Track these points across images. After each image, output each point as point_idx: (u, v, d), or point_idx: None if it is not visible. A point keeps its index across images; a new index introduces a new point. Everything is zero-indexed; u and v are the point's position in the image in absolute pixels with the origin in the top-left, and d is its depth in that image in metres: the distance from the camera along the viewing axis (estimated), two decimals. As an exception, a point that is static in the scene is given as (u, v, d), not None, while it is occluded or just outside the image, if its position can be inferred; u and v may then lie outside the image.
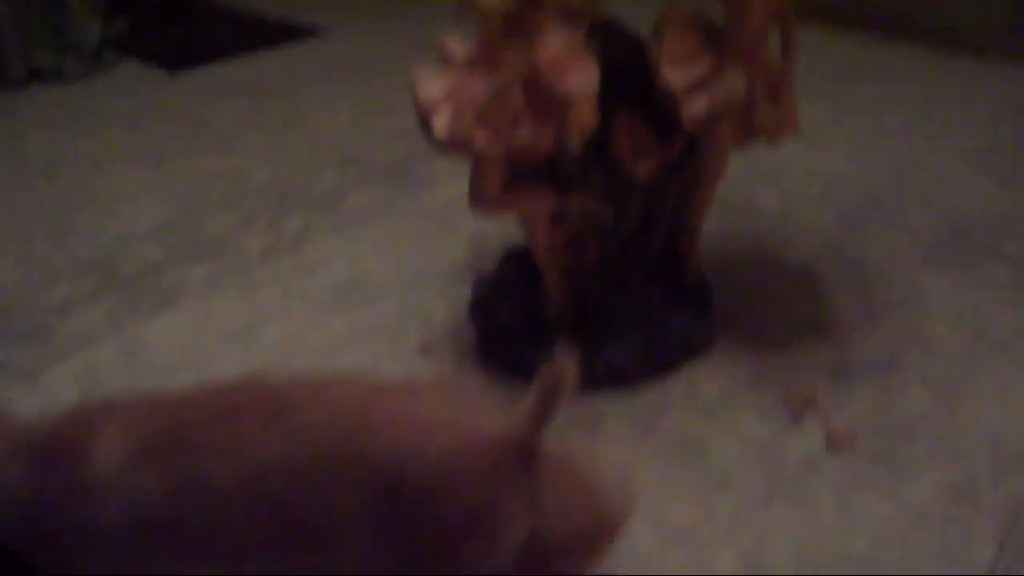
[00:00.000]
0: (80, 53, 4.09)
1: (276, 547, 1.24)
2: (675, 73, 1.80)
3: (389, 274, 2.40)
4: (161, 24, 4.59)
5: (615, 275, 2.02)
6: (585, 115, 1.70)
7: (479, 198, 1.81)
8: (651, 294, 2.06)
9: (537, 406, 1.20)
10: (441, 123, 1.69)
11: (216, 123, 3.39)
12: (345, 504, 1.19)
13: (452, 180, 2.82)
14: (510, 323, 2.05)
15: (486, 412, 1.27)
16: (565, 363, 1.20)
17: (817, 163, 2.87)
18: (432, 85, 1.72)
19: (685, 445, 1.86)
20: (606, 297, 2.03)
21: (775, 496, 1.74)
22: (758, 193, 2.72)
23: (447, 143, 1.69)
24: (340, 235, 2.64)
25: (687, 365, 2.05)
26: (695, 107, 1.79)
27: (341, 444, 1.19)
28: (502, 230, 2.46)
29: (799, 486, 1.76)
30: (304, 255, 2.56)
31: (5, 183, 3.12)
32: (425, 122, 1.72)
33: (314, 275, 2.46)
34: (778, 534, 1.67)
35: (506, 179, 1.80)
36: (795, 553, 1.63)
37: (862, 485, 1.76)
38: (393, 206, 2.76)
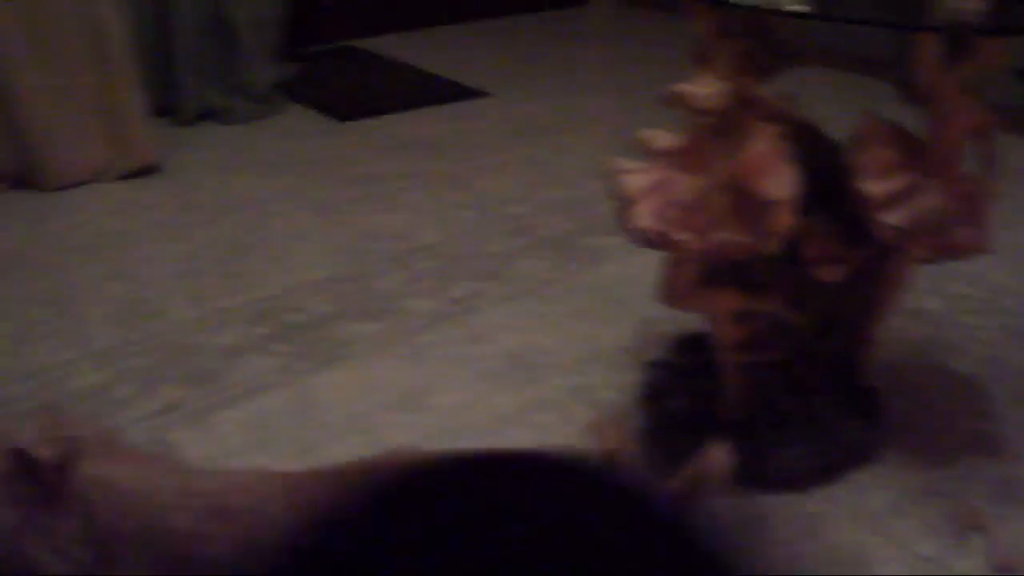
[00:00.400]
0: (250, 95, 4.20)
1: None
2: (873, 184, 1.79)
3: (557, 349, 2.41)
4: (332, 73, 4.69)
5: (791, 377, 2.01)
6: (784, 219, 1.70)
7: (670, 294, 1.83)
8: (823, 398, 2.04)
9: (684, 490, 1.21)
10: (643, 217, 1.70)
11: (383, 178, 3.45)
12: None
13: (619, 257, 2.85)
14: (680, 413, 2.05)
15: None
16: (718, 453, 1.21)
17: (981, 270, 2.83)
18: (635, 177, 1.74)
19: (849, 556, 1.84)
20: (779, 398, 2.02)
21: (941, 619, 1.72)
22: (922, 297, 2.69)
23: (647, 237, 1.70)
24: (507, 305, 2.66)
25: (854, 473, 2.03)
26: (891, 220, 1.78)
27: None
28: (672, 315, 2.46)
29: (965, 609, 1.73)
30: (471, 323, 2.59)
31: (175, 220, 3.21)
32: (625, 213, 1.73)
33: (481, 344, 2.49)
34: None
35: (698, 277, 1.80)
36: None
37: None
38: (560, 280, 2.78)
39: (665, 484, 1.24)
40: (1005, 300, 2.70)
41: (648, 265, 2.71)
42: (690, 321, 2.28)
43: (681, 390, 2.10)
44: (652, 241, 1.71)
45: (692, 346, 2.20)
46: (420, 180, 3.44)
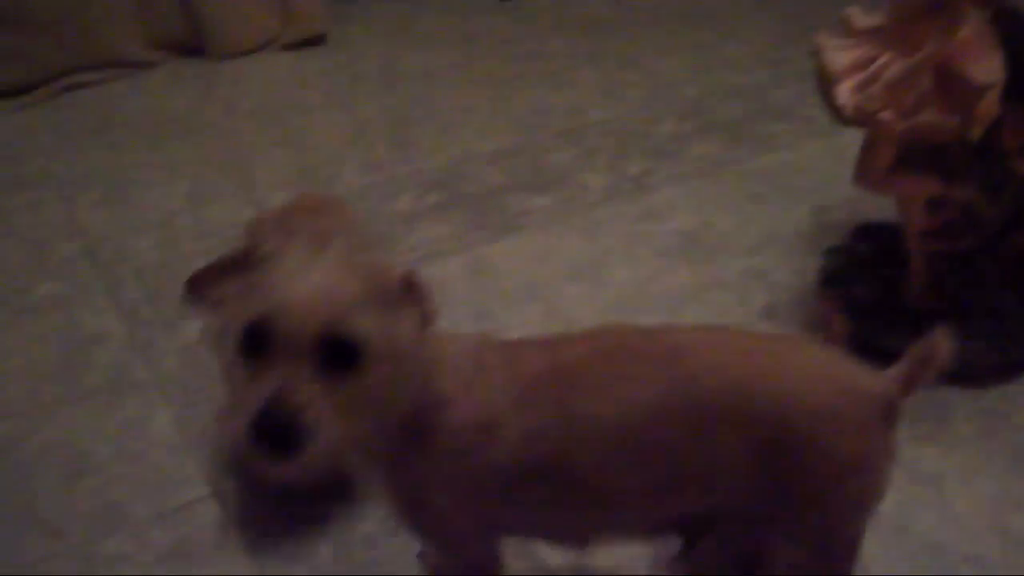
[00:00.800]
0: (417, -31, 4.17)
1: (659, 493, 1.26)
2: (1082, 75, 1.73)
3: (732, 231, 2.39)
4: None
5: (976, 270, 1.97)
6: (990, 105, 1.66)
7: (867, 175, 1.79)
8: (1006, 295, 2.00)
9: (909, 371, 1.22)
10: (847, 94, 1.67)
11: (550, 56, 3.42)
12: (728, 451, 1.20)
13: (792, 144, 2.80)
14: (862, 300, 2.02)
15: (860, 369, 1.27)
16: (943, 339, 1.22)
17: None
18: (840, 54, 1.70)
19: (1027, 455, 1.81)
20: (963, 290, 1.98)
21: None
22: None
23: (850, 114, 1.67)
24: (682, 185, 2.64)
25: (1036, 369, 1.99)
26: (1096, 112, 1.72)
27: (727, 391, 1.20)
28: (844, 203, 2.43)
29: None
30: (646, 200, 2.57)
31: (343, 90, 3.24)
32: (827, 90, 1.70)
33: (658, 222, 2.47)
34: None
35: (894, 160, 1.77)
36: None
37: None
38: (733, 163, 2.74)
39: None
40: None
41: (819, 154, 2.68)
42: (864, 211, 2.25)
43: (862, 277, 2.06)
44: (854, 118, 1.68)
45: (871, 234, 2.17)
46: (587, 59, 3.40)
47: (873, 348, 1.92)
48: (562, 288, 2.20)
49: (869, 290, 2.03)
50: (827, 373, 1.24)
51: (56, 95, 3.22)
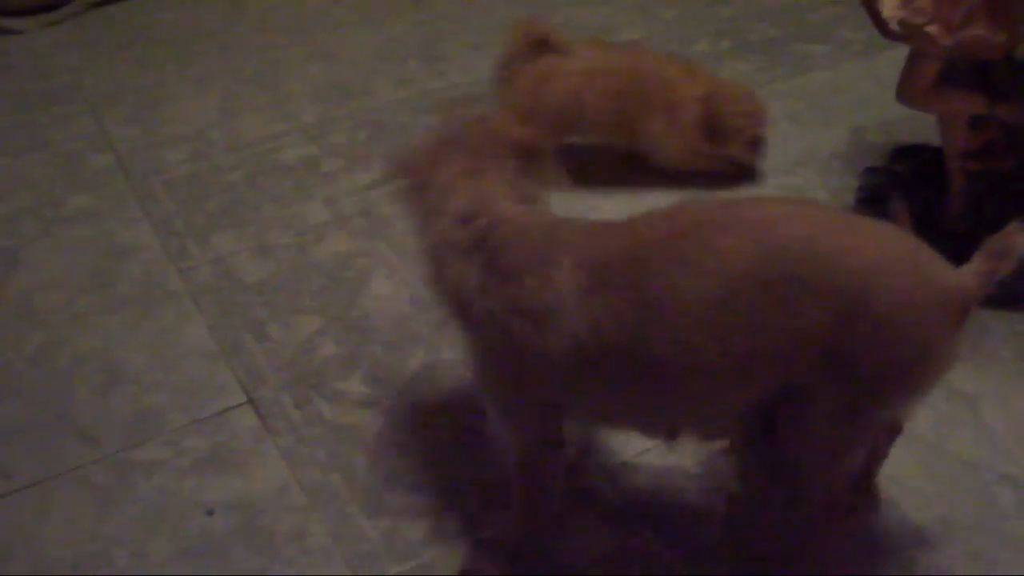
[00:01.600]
0: None
1: (736, 371, 1.25)
2: None
3: (770, 150, 2.36)
4: None
5: (1017, 192, 1.95)
6: (1038, 23, 1.63)
7: (909, 91, 1.77)
8: (1046, 216, 1.98)
9: (986, 266, 1.28)
10: (893, 6, 1.64)
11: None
12: (807, 322, 1.20)
13: (827, 65, 2.77)
14: (900, 218, 2.00)
15: (941, 262, 1.28)
16: (1020, 233, 1.29)
17: None
18: (886, -31, 1.68)
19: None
20: (1001, 213, 1.96)
21: None
22: None
23: (895, 28, 1.64)
24: (716, 105, 2.60)
25: (1073, 294, 1.97)
26: None
27: (814, 263, 1.20)
28: (881, 124, 2.40)
29: None
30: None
31: (376, 4, 3.20)
32: (874, 3, 1.67)
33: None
34: None
35: (938, 76, 1.75)
36: None
37: None
38: (770, 82, 2.71)
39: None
40: None
41: (856, 75, 2.65)
42: (901, 132, 2.23)
43: (900, 196, 2.04)
44: (899, 32, 1.65)
45: (910, 155, 2.15)
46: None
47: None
48: (600, 205, 2.18)
49: (906, 208, 2.01)
50: (911, 260, 1.26)
51: (85, 10, 3.20)
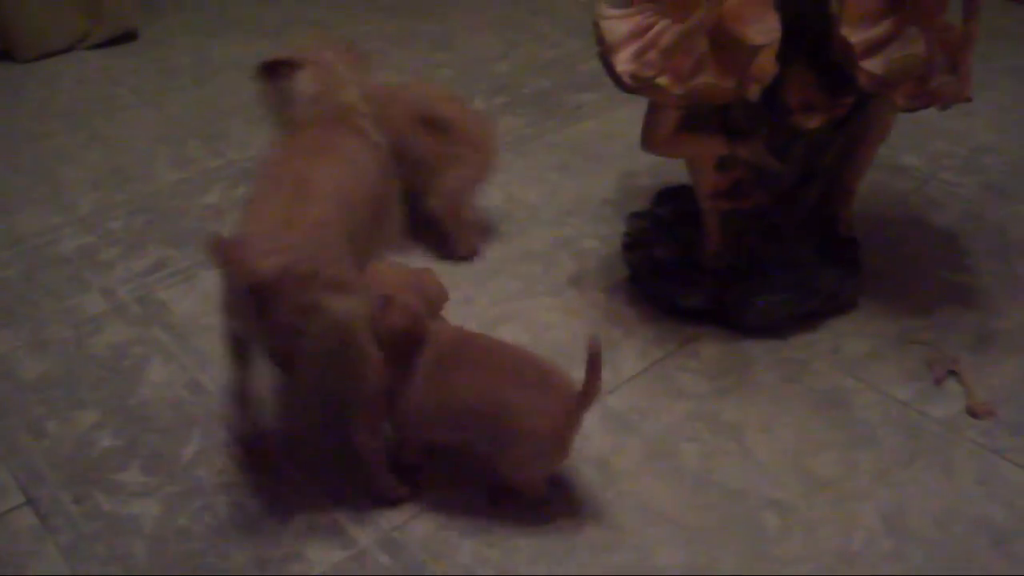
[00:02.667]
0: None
1: None
2: (856, 32, 1.78)
3: (540, 203, 2.42)
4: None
5: (770, 225, 2.03)
6: (766, 65, 1.71)
7: (652, 139, 1.84)
8: (802, 247, 2.07)
9: (591, 377, 1.52)
10: (624, 61, 1.71)
11: (363, 39, 3.38)
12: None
13: (598, 114, 2.85)
14: (664, 261, 2.08)
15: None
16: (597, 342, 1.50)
17: (962, 128, 2.83)
18: (617, 24, 1.74)
19: (829, 399, 1.88)
20: (760, 246, 2.04)
21: (916, 457, 1.76)
22: (904, 154, 2.70)
23: (628, 82, 1.71)
24: (490, 161, 2.66)
25: (833, 319, 2.06)
26: (872, 67, 1.78)
27: None
28: (650, 168, 2.48)
29: (940, 450, 1.78)
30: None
31: (155, 86, 3.20)
32: (608, 59, 1.73)
33: (466, 198, 2.48)
34: (918, 495, 1.69)
35: (679, 123, 1.81)
36: (935, 515, 1.65)
37: (1002, 454, 1.77)
38: (541, 136, 2.78)
39: None
40: (985, 158, 2.72)
41: (626, 121, 2.72)
42: (669, 175, 2.30)
43: (663, 239, 2.12)
44: (633, 86, 1.71)
45: (672, 197, 2.22)
46: (399, 40, 3.42)
47: (676, 308, 1.99)
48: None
49: (669, 251, 2.08)
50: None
51: None
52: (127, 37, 3.58)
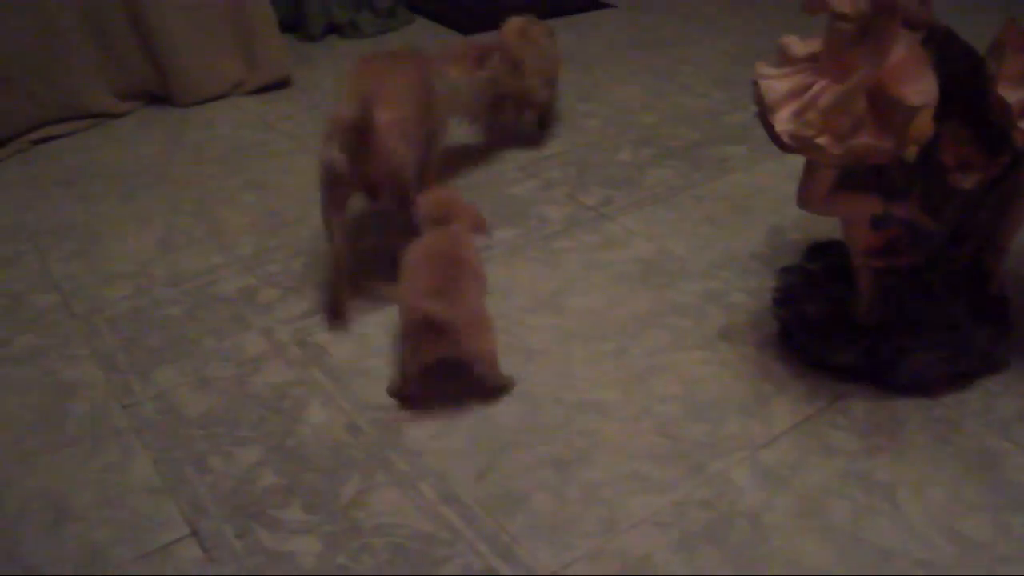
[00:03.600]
0: (375, 9, 4.27)
1: None
2: (1013, 92, 1.79)
3: (689, 256, 2.46)
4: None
5: (924, 284, 2.03)
6: (924, 125, 1.72)
7: (809, 198, 1.86)
8: (954, 305, 2.06)
9: None
10: (784, 121, 1.73)
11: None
12: None
13: (746, 167, 2.87)
14: (814, 317, 2.09)
15: None
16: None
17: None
18: (777, 83, 1.77)
19: (981, 460, 1.87)
20: (912, 305, 2.05)
21: (1072, 520, 1.74)
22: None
23: (788, 141, 1.73)
24: (639, 212, 2.71)
25: (984, 379, 2.05)
26: (1031, 127, 1.78)
27: None
28: (798, 222, 2.50)
29: (1096, 513, 1.76)
30: (605, 229, 2.65)
31: (308, 132, 3.30)
32: (767, 118, 1.76)
33: (616, 250, 2.55)
34: (1075, 559, 1.67)
35: (835, 182, 1.84)
36: (1094, 581, 1.63)
37: None
38: (689, 188, 2.81)
39: None
40: None
41: (773, 175, 2.76)
42: (817, 229, 2.32)
43: (814, 295, 2.13)
44: (793, 145, 1.74)
45: (823, 253, 2.24)
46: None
47: (826, 364, 2.01)
48: (523, 318, 2.26)
49: (820, 308, 2.10)
50: None
51: (26, 148, 3.27)
52: (281, 84, 3.70)
